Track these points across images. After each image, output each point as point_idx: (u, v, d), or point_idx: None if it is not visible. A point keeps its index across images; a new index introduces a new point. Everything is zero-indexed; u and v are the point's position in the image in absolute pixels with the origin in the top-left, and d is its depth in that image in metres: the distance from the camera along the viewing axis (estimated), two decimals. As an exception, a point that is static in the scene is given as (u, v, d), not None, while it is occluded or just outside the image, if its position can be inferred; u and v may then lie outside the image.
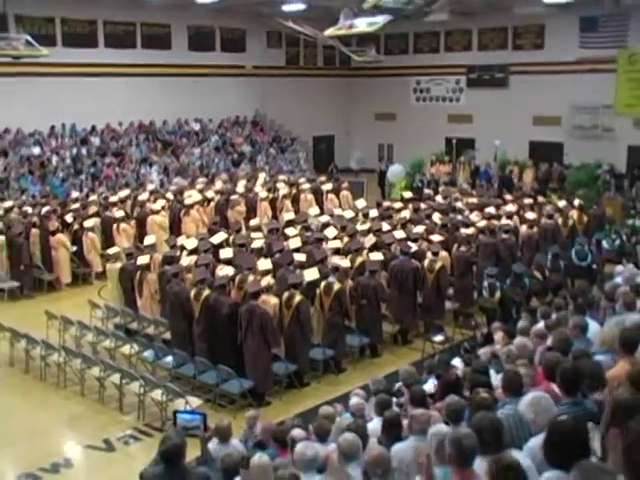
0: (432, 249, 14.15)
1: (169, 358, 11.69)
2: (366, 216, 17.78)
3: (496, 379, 7.02)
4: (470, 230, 15.66)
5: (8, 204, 19.99)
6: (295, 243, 14.83)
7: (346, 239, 15.15)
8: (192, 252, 14.29)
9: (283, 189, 22.10)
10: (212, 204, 20.78)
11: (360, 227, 16.15)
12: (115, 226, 18.48)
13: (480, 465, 4.39)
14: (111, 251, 15.67)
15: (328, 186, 22.81)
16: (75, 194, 21.77)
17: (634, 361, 5.88)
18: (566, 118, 27.91)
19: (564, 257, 15.51)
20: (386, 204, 19.82)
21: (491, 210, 17.64)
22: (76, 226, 18.30)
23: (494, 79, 30.32)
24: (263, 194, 21.40)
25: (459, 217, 17.22)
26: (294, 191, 22.29)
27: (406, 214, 17.61)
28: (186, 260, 13.62)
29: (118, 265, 14.70)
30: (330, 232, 15.71)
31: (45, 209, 19.11)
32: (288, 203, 21.36)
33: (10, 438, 10.38)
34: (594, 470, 3.55)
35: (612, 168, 25.62)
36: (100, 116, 26.53)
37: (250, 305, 11.18)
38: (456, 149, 29.25)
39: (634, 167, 25.56)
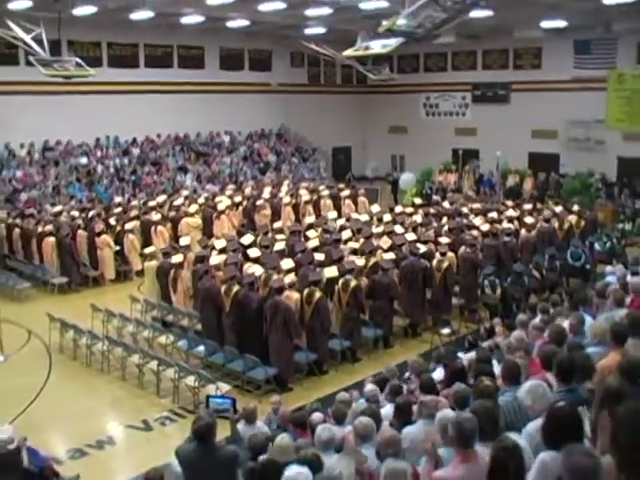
0: (440, 250, 14.11)
1: (201, 347, 11.72)
2: (380, 220, 17.74)
3: (498, 368, 6.99)
4: (474, 233, 15.60)
5: (58, 209, 20.16)
6: (315, 244, 14.85)
7: (361, 240, 15.14)
8: (222, 251, 14.33)
9: (305, 195, 22.08)
10: (240, 208, 20.84)
11: (374, 230, 16.14)
12: (153, 228, 18.55)
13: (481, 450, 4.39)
14: (148, 251, 15.75)
15: (346, 192, 22.79)
16: (118, 199, 21.91)
17: (624, 352, 5.85)
18: (562, 131, 27.76)
19: (560, 258, 15.44)
20: (398, 209, 19.77)
21: (493, 215, 17.58)
22: (118, 228, 18.44)
23: (497, 96, 30.18)
24: (287, 199, 21.41)
25: (464, 221, 17.15)
26: (315, 197, 22.27)
27: (416, 218, 17.57)
28: (216, 259, 13.64)
29: (155, 263, 14.76)
30: (346, 234, 15.72)
31: (91, 213, 19.28)
32: (309, 208, 21.34)
33: (60, 417, 10.48)
34: (578, 453, 3.54)
35: (604, 177, 25.61)
36: (140, 129, 26.70)
37: (274, 300, 11.21)
38: (462, 159, 29.16)
39: (623, 176, 25.56)
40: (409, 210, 19.16)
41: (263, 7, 20.11)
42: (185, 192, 23.39)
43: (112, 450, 9.56)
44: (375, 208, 20.17)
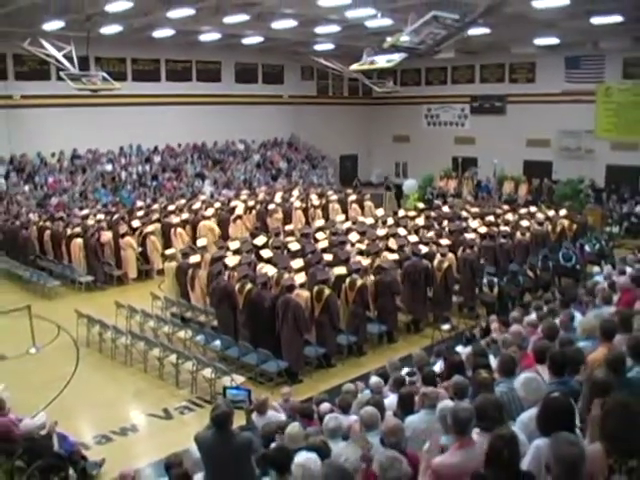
0: (441, 251, 14.08)
1: (217, 342, 11.73)
2: (384, 223, 17.73)
3: (494, 361, 6.97)
4: (473, 235, 15.56)
5: (85, 212, 20.23)
6: (324, 245, 14.85)
7: (366, 242, 15.12)
8: (236, 252, 14.33)
9: (314, 200, 22.10)
10: (254, 212, 20.85)
11: (379, 232, 16.12)
12: (173, 230, 18.58)
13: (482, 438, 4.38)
14: (168, 252, 15.76)
15: (352, 197, 22.78)
16: (140, 203, 21.95)
17: (611, 347, 5.85)
18: (554, 141, 27.68)
19: (552, 259, 15.39)
20: (401, 213, 19.75)
21: (491, 218, 17.54)
22: (141, 230, 18.44)
23: (493, 107, 30.10)
24: (297, 204, 21.41)
25: (464, 224, 17.10)
26: (323, 201, 22.26)
27: (419, 221, 17.54)
28: (231, 259, 13.64)
29: (174, 264, 14.75)
30: (353, 236, 15.71)
31: (115, 216, 19.34)
32: (319, 212, 21.33)
33: (87, 405, 10.53)
34: (564, 442, 3.55)
35: (593, 183, 25.62)
36: (161, 138, 26.81)
37: (285, 298, 11.21)
38: (461, 166, 29.21)
39: (611, 183, 25.60)
40: (412, 214, 19.14)
41: (276, 25, 20.14)
42: (202, 197, 23.45)
43: (135, 436, 9.58)
44: (380, 212, 20.16)
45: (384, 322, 12.74)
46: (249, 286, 11.87)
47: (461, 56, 27.79)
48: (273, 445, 5.56)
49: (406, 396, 6.13)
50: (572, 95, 26.42)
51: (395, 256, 13.75)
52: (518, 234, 16.39)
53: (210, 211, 19.93)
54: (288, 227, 18.60)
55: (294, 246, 14.78)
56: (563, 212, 18.81)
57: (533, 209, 19.77)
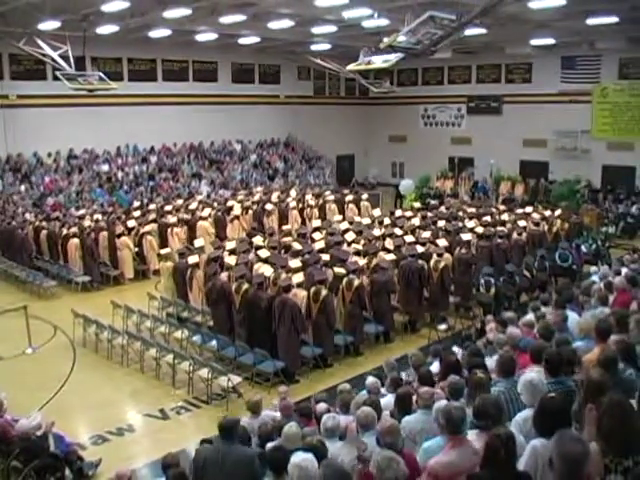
0: (437, 251, 14.08)
1: (214, 342, 11.70)
2: (381, 223, 17.73)
3: (490, 361, 6.97)
4: (469, 235, 15.59)
5: (81, 212, 20.21)
6: (320, 245, 14.84)
7: (362, 242, 15.12)
8: (232, 252, 14.32)
9: (311, 200, 22.09)
10: (250, 212, 20.84)
11: (376, 232, 16.12)
12: (169, 230, 18.57)
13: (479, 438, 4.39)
14: (164, 252, 15.75)
15: (349, 197, 22.79)
16: (136, 203, 21.93)
17: (606, 347, 5.86)
18: (551, 141, 27.75)
19: (549, 259, 15.42)
20: (398, 213, 19.74)
21: (487, 218, 17.55)
22: (137, 230, 18.43)
23: (490, 107, 30.18)
24: (293, 204, 21.41)
25: (460, 224, 17.11)
26: (320, 201, 22.26)
27: (415, 221, 17.54)
28: (229, 260, 13.61)
29: (170, 264, 14.73)
30: (349, 236, 15.71)
31: (112, 216, 19.31)
32: (315, 212, 21.33)
33: (83, 406, 10.51)
34: (569, 439, 3.56)
35: (589, 184, 25.72)
36: (158, 138, 26.81)
37: (282, 298, 11.20)
38: (458, 166, 29.24)
39: (607, 183, 25.71)
40: (408, 214, 19.14)
41: (272, 25, 20.15)
42: (199, 197, 23.43)
43: (131, 437, 9.56)
44: (376, 212, 20.15)
45: (381, 322, 12.73)
46: (246, 286, 11.87)
47: (458, 56, 27.85)
48: (269, 445, 5.55)
49: (403, 396, 6.12)
50: (568, 95, 26.56)
51: (392, 256, 13.75)
52: (514, 234, 16.41)
53: (207, 211, 19.91)
54: (285, 227, 18.61)
55: (292, 246, 14.77)
56: (557, 212, 18.87)
57: (529, 209, 19.81)
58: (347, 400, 6.61)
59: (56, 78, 20.09)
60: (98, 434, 9.44)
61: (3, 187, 22.19)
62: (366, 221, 18.34)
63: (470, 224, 17.02)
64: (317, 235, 16.30)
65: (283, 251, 14.82)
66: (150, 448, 8.97)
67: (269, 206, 20.88)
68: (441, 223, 17.25)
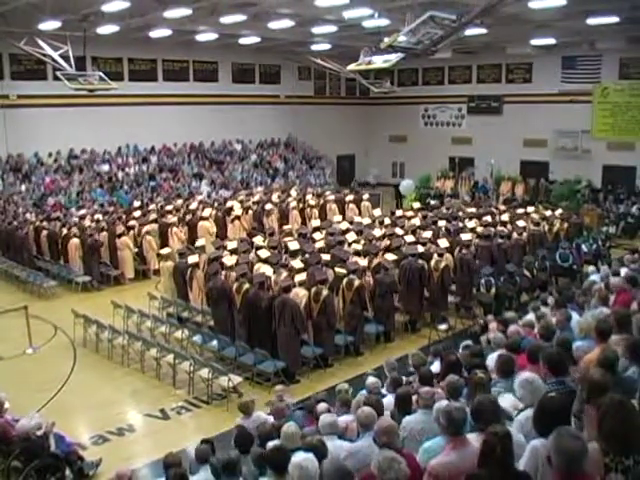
0: (438, 251, 14.06)
1: (214, 342, 11.70)
2: (382, 223, 17.72)
3: (490, 361, 6.97)
4: (470, 235, 15.58)
5: (82, 212, 20.22)
6: (321, 245, 14.83)
7: (362, 242, 15.11)
8: (233, 252, 14.32)
9: (311, 200, 22.08)
10: (251, 212, 20.84)
11: (376, 232, 16.11)
12: (169, 230, 18.58)
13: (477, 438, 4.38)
14: (164, 251, 15.75)
15: (350, 197, 22.78)
16: (137, 203, 21.95)
17: (607, 347, 5.85)
18: (551, 141, 27.78)
19: (549, 259, 15.42)
20: (399, 213, 19.73)
21: (488, 218, 17.54)
22: (137, 230, 18.43)
23: (490, 107, 30.19)
24: (294, 204, 21.40)
25: (460, 224, 17.10)
26: (321, 201, 22.25)
27: (416, 221, 17.53)
28: (229, 259, 13.62)
29: (170, 263, 14.73)
30: (350, 236, 15.70)
31: (112, 216, 19.32)
32: (315, 212, 21.31)
33: (84, 405, 10.51)
34: (568, 435, 3.56)
35: (590, 184, 25.70)
36: (158, 138, 26.82)
37: (283, 298, 11.20)
38: (458, 167, 29.19)
39: (608, 183, 25.70)
40: (409, 214, 19.14)
41: (273, 25, 20.16)
42: (200, 197, 23.43)
43: (132, 437, 9.57)
44: (377, 212, 20.15)
45: (381, 322, 12.73)
46: (246, 286, 11.86)
47: (458, 56, 27.86)
48: (269, 445, 5.54)
49: (403, 396, 6.12)
50: (568, 95, 26.56)
51: (393, 256, 13.74)
52: (515, 234, 16.40)
53: (207, 211, 19.90)
54: (286, 227, 18.60)
55: (293, 246, 14.76)
56: (558, 212, 18.87)
57: (530, 209, 19.80)
58: (346, 400, 6.61)
59: (56, 78, 20.07)
60: (98, 434, 9.44)
61: (3, 187, 22.21)
62: (366, 221, 18.34)
63: (470, 224, 17.00)
64: (317, 235, 16.29)
65: (283, 251, 14.82)
66: (150, 448, 8.96)
67: (269, 206, 20.87)
68: (441, 223, 17.24)
